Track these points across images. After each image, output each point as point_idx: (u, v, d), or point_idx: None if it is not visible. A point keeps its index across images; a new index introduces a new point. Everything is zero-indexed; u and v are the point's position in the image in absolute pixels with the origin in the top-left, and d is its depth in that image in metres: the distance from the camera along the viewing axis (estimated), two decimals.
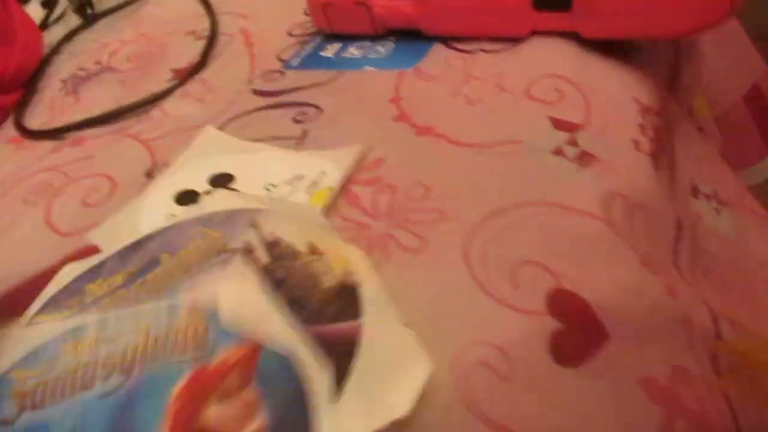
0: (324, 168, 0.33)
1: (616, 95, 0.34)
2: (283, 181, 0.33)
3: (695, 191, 0.38)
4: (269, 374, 0.23)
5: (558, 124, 0.32)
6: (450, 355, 0.25)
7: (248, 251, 0.27)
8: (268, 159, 0.36)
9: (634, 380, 0.27)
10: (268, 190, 0.33)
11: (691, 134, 0.42)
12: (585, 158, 0.31)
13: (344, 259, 0.27)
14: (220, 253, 0.28)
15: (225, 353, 0.24)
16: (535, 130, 0.32)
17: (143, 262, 0.29)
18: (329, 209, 0.31)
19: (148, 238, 0.30)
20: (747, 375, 0.31)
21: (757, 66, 0.53)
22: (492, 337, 0.25)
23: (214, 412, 0.23)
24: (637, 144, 0.33)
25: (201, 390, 0.23)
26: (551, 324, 0.26)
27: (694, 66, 0.48)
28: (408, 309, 0.26)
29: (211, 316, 0.25)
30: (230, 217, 0.30)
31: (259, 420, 0.22)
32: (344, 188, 0.32)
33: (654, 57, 0.40)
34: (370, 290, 0.25)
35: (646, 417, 0.27)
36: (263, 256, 0.27)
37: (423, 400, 0.23)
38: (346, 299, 0.25)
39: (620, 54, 0.36)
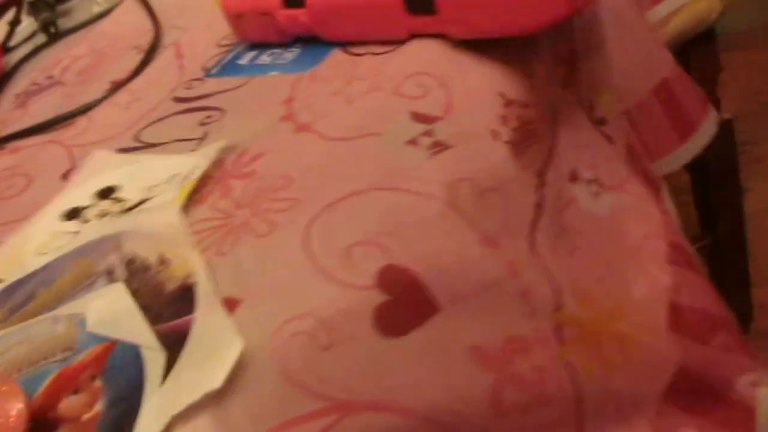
0: (195, 164, 0.36)
1: (478, 89, 0.37)
2: (162, 181, 0.37)
3: (574, 176, 0.41)
4: (117, 365, 0.27)
5: (417, 117, 0.35)
6: (272, 328, 0.27)
7: (109, 272, 0.31)
8: (148, 166, 0.40)
9: (464, 349, 0.29)
10: (149, 190, 0.37)
11: (580, 125, 0.44)
12: (437, 147, 0.34)
13: (187, 263, 0.30)
14: (88, 278, 0.32)
15: (86, 352, 0.28)
16: (396, 124, 0.35)
17: (22, 299, 0.32)
18: (207, 202, 0.34)
19: (30, 275, 0.34)
20: (593, 344, 0.33)
21: (666, 61, 0.55)
22: (315, 310, 0.28)
23: (66, 403, 0.26)
24: (495, 134, 0.35)
25: (61, 386, 0.27)
26: (378, 297, 0.28)
27: (597, 63, 0.50)
28: (245, 289, 0.29)
29: (81, 322, 0.29)
30: (100, 244, 0.34)
31: (99, 405, 0.26)
32: (222, 181, 0.35)
33: (538, 55, 0.42)
34: (203, 287, 0.29)
35: (474, 383, 0.29)
36: (122, 274, 0.31)
37: (243, 372, 0.26)
38: (184, 299, 0.29)
39: (492, 53, 0.39)
